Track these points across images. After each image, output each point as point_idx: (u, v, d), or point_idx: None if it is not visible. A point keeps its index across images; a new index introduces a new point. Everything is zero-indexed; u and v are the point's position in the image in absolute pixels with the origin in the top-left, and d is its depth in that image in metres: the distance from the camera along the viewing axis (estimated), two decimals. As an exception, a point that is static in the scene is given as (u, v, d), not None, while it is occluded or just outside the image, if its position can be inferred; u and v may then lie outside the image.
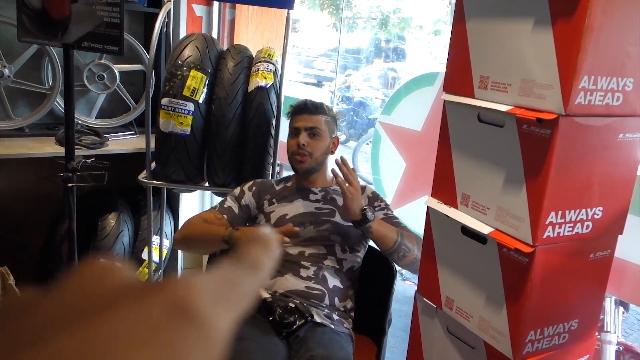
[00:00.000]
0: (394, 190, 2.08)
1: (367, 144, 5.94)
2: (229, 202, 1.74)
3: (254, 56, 2.10)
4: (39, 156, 2.18)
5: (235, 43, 2.88)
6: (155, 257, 2.43)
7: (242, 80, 1.95)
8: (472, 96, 1.29)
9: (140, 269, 2.43)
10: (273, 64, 2.00)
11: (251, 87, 1.94)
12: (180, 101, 1.87)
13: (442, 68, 1.35)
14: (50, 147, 2.24)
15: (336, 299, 1.59)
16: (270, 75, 1.96)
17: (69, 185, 1.74)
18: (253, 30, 2.92)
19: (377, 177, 2.21)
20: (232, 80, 1.93)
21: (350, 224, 1.66)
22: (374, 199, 1.78)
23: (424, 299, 1.51)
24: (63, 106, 2.42)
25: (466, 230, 1.33)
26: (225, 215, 1.69)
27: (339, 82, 9.15)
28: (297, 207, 1.71)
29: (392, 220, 1.70)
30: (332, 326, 1.53)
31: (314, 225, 1.66)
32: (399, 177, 2.03)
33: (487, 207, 1.27)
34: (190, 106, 1.89)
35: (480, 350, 1.33)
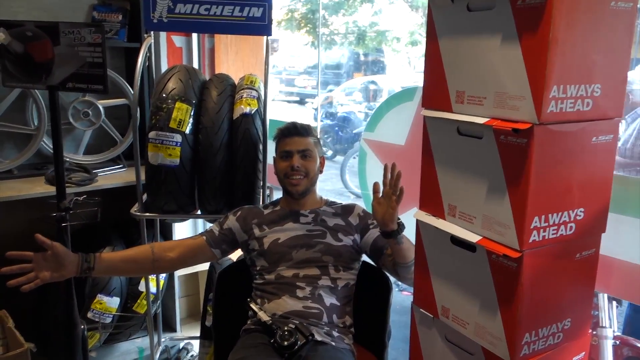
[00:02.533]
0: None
1: (354, 157, 6.00)
2: (213, 226, 1.80)
3: (236, 84, 2.14)
4: (30, 197, 2.19)
5: (216, 70, 2.93)
6: (153, 288, 2.44)
7: (227, 109, 1.99)
8: (450, 110, 1.34)
9: (139, 300, 2.44)
10: (256, 90, 2.04)
11: (236, 115, 1.98)
12: (167, 133, 1.91)
13: (421, 78, 1.40)
14: (40, 187, 2.26)
15: (334, 316, 1.62)
16: (254, 102, 2.00)
17: (63, 225, 1.76)
18: (233, 57, 2.97)
19: (366, 192, 2.25)
20: (217, 109, 1.97)
21: (342, 243, 1.70)
22: (366, 217, 1.80)
23: (421, 309, 1.54)
24: (50, 146, 2.44)
25: (455, 240, 1.37)
26: (204, 237, 1.76)
27: (321, 99, 9.23)
28: (288, 231, 1.74)
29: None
30: (333, 343, 1.55)
31: (306, 247, 1.70)
32: (387, 191, 2.07)
33: (473, 216, 1.32)
34: (178, 137, 1.92)
35: (479, 356, 1.36)
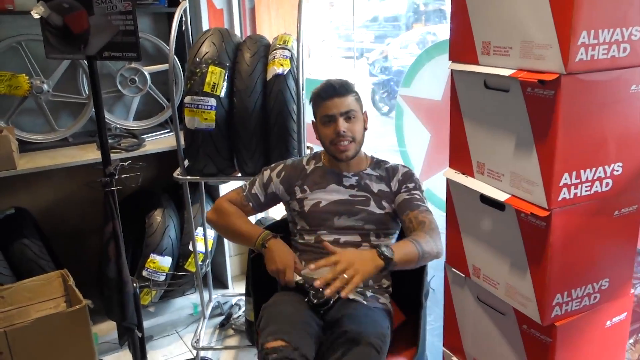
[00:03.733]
0: (421, 162, 2.07)
1: None
2: (256, 188, 1.74)
3: (271, 44, 2.12)
4: (84, 163, 2.31)
5: (257, 31, 2.91)
6: (202, 247, 2.54)
7: (260, 70, 1.99)
8: (476, 63, 1.26)
9: (190, 259, 2.55)
10: (289, 50, 2.02)
11: (269, 75, 1.97)
12: (202, 98, 1.93)
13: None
14: (92, 154, 2.37)
15: (369, 280, 1.61)
16: (286, 62, 1.98)
17: (108, 189, 1.85)
18: (274, 16, 2.94)
19: (404, 150, 2.20)
20: (250, 71, 1.97)
21: (385, 211, 1.63)
22: (405, 180, 1.67)
23: (453, 268, 1.52)
24: (100, 113, 2.54)
25: (485, 199, 1.32)
26: (250, 203, 1.72)
27: (377, 53, 9.00)
28: (331, 194, 1.65)
29: (412, 202, 1.59)
30: (365, 302, 1.56)
31: (347, 214, 1.62)
32: (425, 148, 2.01)
33: (501, 174, 1.26)
34: (213, 101, 1.94)
35: (510, 316, 1.33)
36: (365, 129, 1.68)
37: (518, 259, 1.25)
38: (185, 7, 2.15)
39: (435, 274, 1.79)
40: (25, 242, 2.25)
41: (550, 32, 1.04)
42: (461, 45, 1.31)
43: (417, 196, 1.61)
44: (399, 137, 2.13)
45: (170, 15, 2.75)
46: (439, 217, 1.63)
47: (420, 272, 1.65)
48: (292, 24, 2.97)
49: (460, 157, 1.39)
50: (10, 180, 2.22)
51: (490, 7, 1.20)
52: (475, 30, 1.25)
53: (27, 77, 2.36)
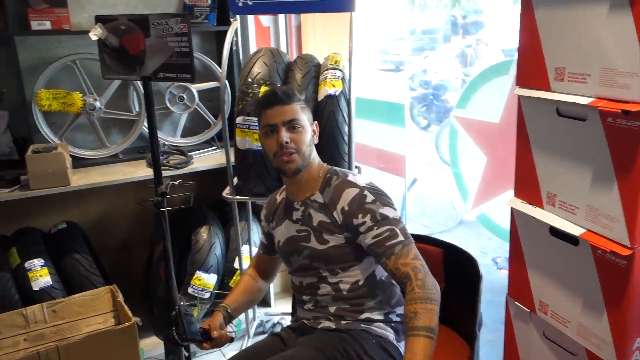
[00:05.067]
0: (476, 186, 2.01)
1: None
2: (261, 235, 1.70)
3: (321, 63, 2.10)
4: (133, 180, 2.33)
5: (303, 48, 2.91)
6: (247, 265, 2.52)
7: (312, 90, 1.97)
8: (548, 89, 1.21)
9: (234, 277, 2.54)
10: (340, 70, 1.99)
11: (320, 96, 1.95)
12: (253, 118, 1.92)
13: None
14: (141, 171, 2.39)
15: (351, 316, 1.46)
16: (338, 82, 1.95)
17: (160, 210, 1.85)
18: (320, 34, 2.93)
19: (457, 171, 2.14)
20: (301, 91, 1.95)
21: (328, 245, 1.41)
22: (354, 212, 1.36)
23: (516, 302, 1.45)
24: (150, 131, 2.57)
25: (555, 232, 1.25)
26: (261, 251, 1.68)
27: (416, 65, 8.92)
28: (285, 231, 1.52)
29: (381, 247, 1.31)
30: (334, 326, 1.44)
31: (297, 253, 1.48)
32: (480, 172, 1.95)
33: (576, 207, 1.19)
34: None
35: (582, 358, 1.25)
36: (315, 141, 1.50)
37: (593, 297, 1.18)
38: (237, 27, 2.16)
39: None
40: (76, 257, 2.28)
41: (636, 59, 0.98)
42: (531, 70, 1.25)
43: (382, 233, 1.32)
44: (453, 159, 2.07)
45: (218, 34, 2.78)
46: (498, 245, 1.55)
47: (474, 300, 1.57)
48: (338, 42, 2.95)
49: (527, 187, 1.33)
50: (62, 195, 2.27)
51: (565, 31, 1.14)
52: (548, 56, 1.20)
53: (81, 95, 2.40)
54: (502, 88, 1.66)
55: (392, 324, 1.44)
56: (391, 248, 1.29)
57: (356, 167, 2.22)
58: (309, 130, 1.47)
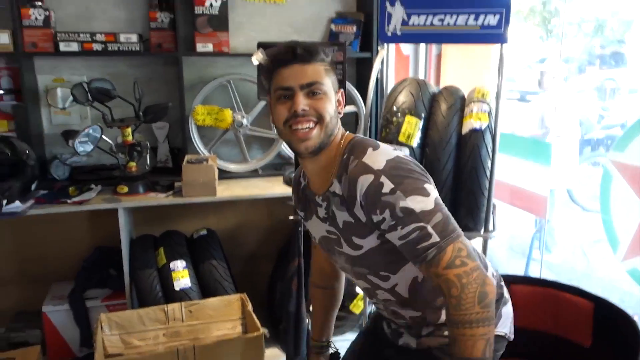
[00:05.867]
0: (630, 237, 1.86)
1: (593, 164, 5.44)
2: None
3: (466, 96, 2.08)
4: (270, 196, 2.46)
5: (442, 77, 2.90)
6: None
7: (456, 123, 1.95)
8: None
9: (355, 301, 2.56)
10: (487, 104, 1.96)
11: (465, 130, 1.93)
12: (396, 147, 1.95)
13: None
14: (278, 187, 2.52)
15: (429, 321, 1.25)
16: (484, 116, 1.92)
17: (298, 227, 1.93)
18: (459, 63, 2.90)
19: (607, 218, 1.99)
20: (445, 123, 1.94)
21: (363, 250, 1.15)
22: (373, 207, 1.07)
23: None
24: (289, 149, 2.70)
25: None
26: (316, 244, 1.40)
27: (548, 97, 8.50)
28: (316, 229, 1.28)
29: (412, 249, 1.04)
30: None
31: (336, 255, 1.26)
32: (636, 222, 1.80)
33: None
34: (406, 151, 1.94)
35: None
36: (339, 113, 1.20)
37: None
38: (384, 58, 2.21)
39: None
40: (213, 263, 2.44)
41: None
42: None
43: (409, 233, 1.04)
44: (603, 204, 1.94)
45: (360, 60, 2.86)
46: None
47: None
48: (477, 72, 2.91)
49: None
50: (204, 203, 2.45)
51: None
52: None
53: (231, 112, 2.59)
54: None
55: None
56: (422, 254, 1.03)
57: (493, 204, 2.15)
58: (333, 98, 1.17)
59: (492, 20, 2.04)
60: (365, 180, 1.07)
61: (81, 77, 2.48)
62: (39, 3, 2.28)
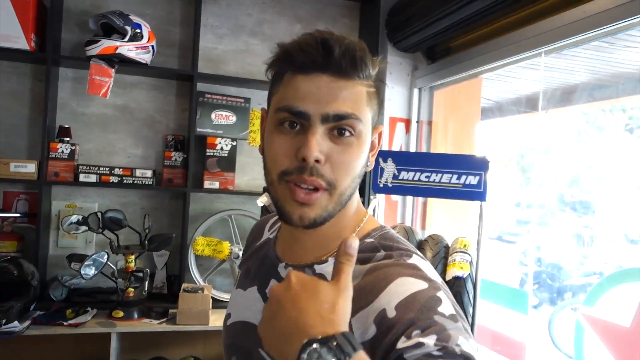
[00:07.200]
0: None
1: (572, 309, 5.55)
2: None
3: (449, 245, 2.28)
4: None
5: (427, 222, 3.13)
6: None
7: (440, 270, 2.12)
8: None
9: None
10: (469, 254, 2.15)
11: (449, 277, 2.09)
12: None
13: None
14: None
15: None
16: (466, 265, 2.10)
17: None
18: (443, 207, 3.15)
19: (583, 371, 2.09)
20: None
21: None
22: (404, 325, 0.65)
23: None
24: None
25: None
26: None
27: (526, 240, 8.80)
28: (245, 304, 0.91)
29: None
30: None
31: (243, 356, 0.88)
32: (611, 376, 1.91)
33: None
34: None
35: None
36: (367, 165, 0.79)
37: None
38: (376, 205, 2.44)
39: None
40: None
41: None
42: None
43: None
44: (577, 356, 2.05)
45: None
46: None
47: None
48: (460, 221, 3.14)
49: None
50: (196, 332, 2.50)
51: None
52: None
53: (229, 245, 2.75)
54: (633, 293, 1.72)
55: None
56: None
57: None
58: (367, 143, 0.77)
59: (472, 180, 2.31)
60: (410, 285, 0.70)
61: (92, 205, 2.67)
62: (67, 139, 2.53)
